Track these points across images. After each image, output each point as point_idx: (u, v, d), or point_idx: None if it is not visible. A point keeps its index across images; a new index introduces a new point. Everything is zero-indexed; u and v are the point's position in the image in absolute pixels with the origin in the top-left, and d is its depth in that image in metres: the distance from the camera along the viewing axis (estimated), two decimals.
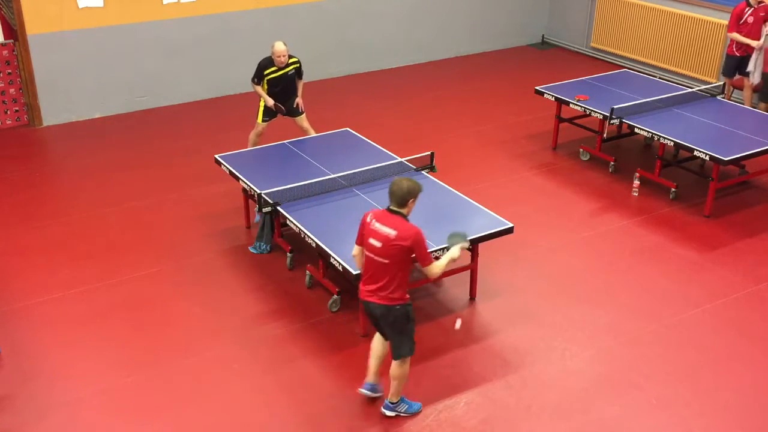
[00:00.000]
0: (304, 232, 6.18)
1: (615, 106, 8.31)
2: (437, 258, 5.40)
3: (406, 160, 7.25)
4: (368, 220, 4.97)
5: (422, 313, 6.26)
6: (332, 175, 6.97)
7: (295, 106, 8.17)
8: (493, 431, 5.20)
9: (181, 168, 8.85)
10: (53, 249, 7.27)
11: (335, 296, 6.34)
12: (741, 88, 9.87)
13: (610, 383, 5.61)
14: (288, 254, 6.95)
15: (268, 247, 7.18)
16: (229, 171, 7.21)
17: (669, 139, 7.82)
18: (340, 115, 10.04)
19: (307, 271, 6.70)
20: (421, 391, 5.46)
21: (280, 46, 7.80)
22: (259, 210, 6.73)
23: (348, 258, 5.75)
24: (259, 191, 6.60)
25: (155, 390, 5.55)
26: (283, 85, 8.03)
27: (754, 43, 9.27)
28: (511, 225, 6.30)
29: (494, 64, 12.43)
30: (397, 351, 5.10)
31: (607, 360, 5.84)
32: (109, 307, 6.45)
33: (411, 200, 4.90)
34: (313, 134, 8.19)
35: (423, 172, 7.12)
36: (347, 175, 6.96)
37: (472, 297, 6.54)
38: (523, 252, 7.18)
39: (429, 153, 7.25)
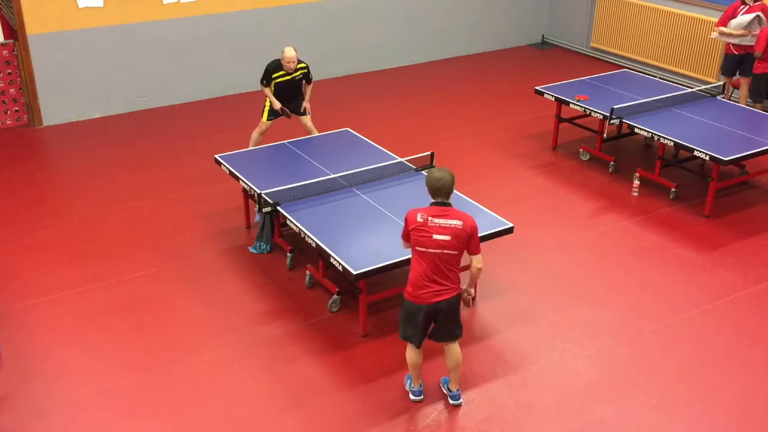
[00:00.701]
0: (304, 232, 6.18)
1: (615, 106, 8.31)
2: None
3: (406, 160, 7.25)
4: (421, 219, 4.90)
5: None
6: (332, 175, 6.97)
7: (302, 110, 8.17)
8: (493, 431, 5.20)
9: (181, 168, 8.85)
10: (53, 249, 7.28)
11: (335, 296, 6.34)
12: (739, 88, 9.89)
13: (610, 383, 5.61)
14: (288, 254, 6.95)
15: (268, 247, 7.18)
16: (229, 171, 7.21)
17: (669, 139, 7.82)
18: (340, 115, 10.04)
19: (307, 271, 6.70)
20: (424, 390, 5.45)
21: (290, 52, 7.78)
22: (259, 210, 6.73)
23: (348, 258, 5.76)
24: (259, 191, 6.60)
25: (155, 390, 5.55)
26: (290, 89, 8.03)
27: (735, 32, 9.33)
28: (511, 225, 6.30)
29: (494, 64, 12.43)
30: (457, 333, 5.20)
31: (607, 360, 5.84)
32: (109, 307, 6.45)
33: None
34: (316, 134, 8.19)
35: (423, 172, 7.12)
36: (347, 175, 6.96)
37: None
38: (523, 252, 7.18)
39: (429, 153, 7.26)
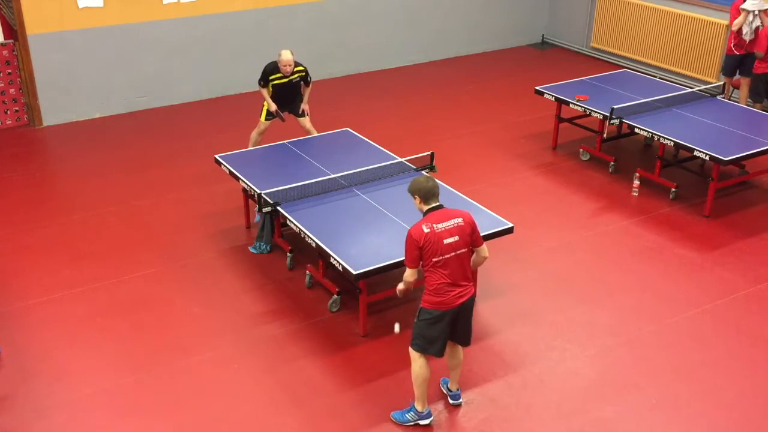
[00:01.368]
0: (304, 232, 6.18)
1: (615, 106, 8.31)
2: None
3: (406, 160, 7.25)
4: (427, 230, 4.80)
5: None
6: (332, 175, 6.97)
7: (300, 112, 8.17)
8: (493, 431, 5.20)
9: (181, 168, 8.85)
10: (53, 249, 7.28)
11: (335, 296, 6.33)
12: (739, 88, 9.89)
13: (610, 383, 5.61)
14: (288, 254, 6.95)
15: (268, 247, 7.18)
16: (229, 171, 7.21)
17: (669, 139, 7.82)
18: (340, 115, 10.04)
19: (307, 271, 6.70)
20: None
21: (286, 56, 7.73)
22: (259, 210, 6.73)
23: (348, 258, 5.76)
24: (259, 191, 6.60)
25: (155, 390, 5.55)
26: (288, 91, 8.02)
27: (750, 8, 9.37)
28: (511, 225, 6.30)
29: (494, 64, 12.43)
30: (470, 335, 5.19)
31: (607, 360, 5.84)
32: (109, 307, 6.45)
33: None
34: (315, 134, 8.19)
35: (423, 172, 7.12)
36: (347, 175, 6.96)
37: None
38: (523, 252, 7.18)
39: (429, 153, 7.26)
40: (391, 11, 11.86)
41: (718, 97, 9.03)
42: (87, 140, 9.63)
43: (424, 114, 10.41)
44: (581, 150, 9.08)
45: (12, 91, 9.85)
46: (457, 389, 5.39)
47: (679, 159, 8.56)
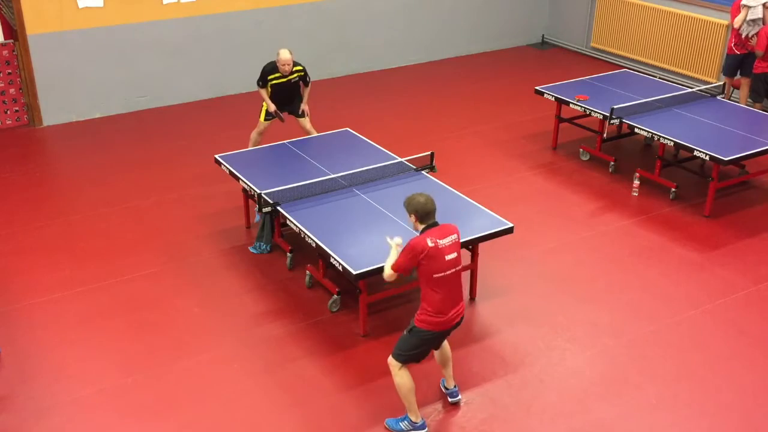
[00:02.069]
0: (304, 232, 6.18)
1: (615, 106, 8.31)
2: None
3: (406, 160, 7.25)
4: (432, 243, 4.77)
5: None
6: (332, 175, 6.97)
7: (300, 112, 8.16)
8: (493, 431, 5.20)
9: (181, 168, 8.85)
10: (53, 249, 7.28)
11: (335, 296, 6.34)
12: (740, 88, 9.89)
13: (610, 383, 5.61)
14: (288, 254, 6.95)
15: (268, 247, 7.18)
16: (229, 171, 7.21)
17: (669, 139, 7.82)
18: (340, 115, 10.05)
19: (307, 271, 6.70)
20: (421, 392, 5.44)
21: (285, 55, 7.72)
22: (259, 210, 6.73)
23: (348, 258, 5.76)
24: (259, 191, 6.60)
25: (155, 390, 5.55)
26: (287, 91, 8.02)
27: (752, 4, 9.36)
28: (511, 225, 6.30)
29: (494, 64, 12.43)
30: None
31: (607, 360, 5.84)
32: (109, 307, 6.45)
33: None
34: (315, 135, 8.19)
35: (423, 172, 7.12)
36: (347, 175, 6.96)
37: (472, 297, 6.54)
38: (523, 252, 7.18)
39: (429, 153, 7.25)
40: (391, 11, 11.86)
41: (719, 97, 9.03)
42: (87, 140, 9.63)
43: (424, 114, 10.41)
44: (581, 150, 9.08)
45: (12, 91, 9.85)
46: (454, 386, 5.39)
47: (679, 159, 8.56)
